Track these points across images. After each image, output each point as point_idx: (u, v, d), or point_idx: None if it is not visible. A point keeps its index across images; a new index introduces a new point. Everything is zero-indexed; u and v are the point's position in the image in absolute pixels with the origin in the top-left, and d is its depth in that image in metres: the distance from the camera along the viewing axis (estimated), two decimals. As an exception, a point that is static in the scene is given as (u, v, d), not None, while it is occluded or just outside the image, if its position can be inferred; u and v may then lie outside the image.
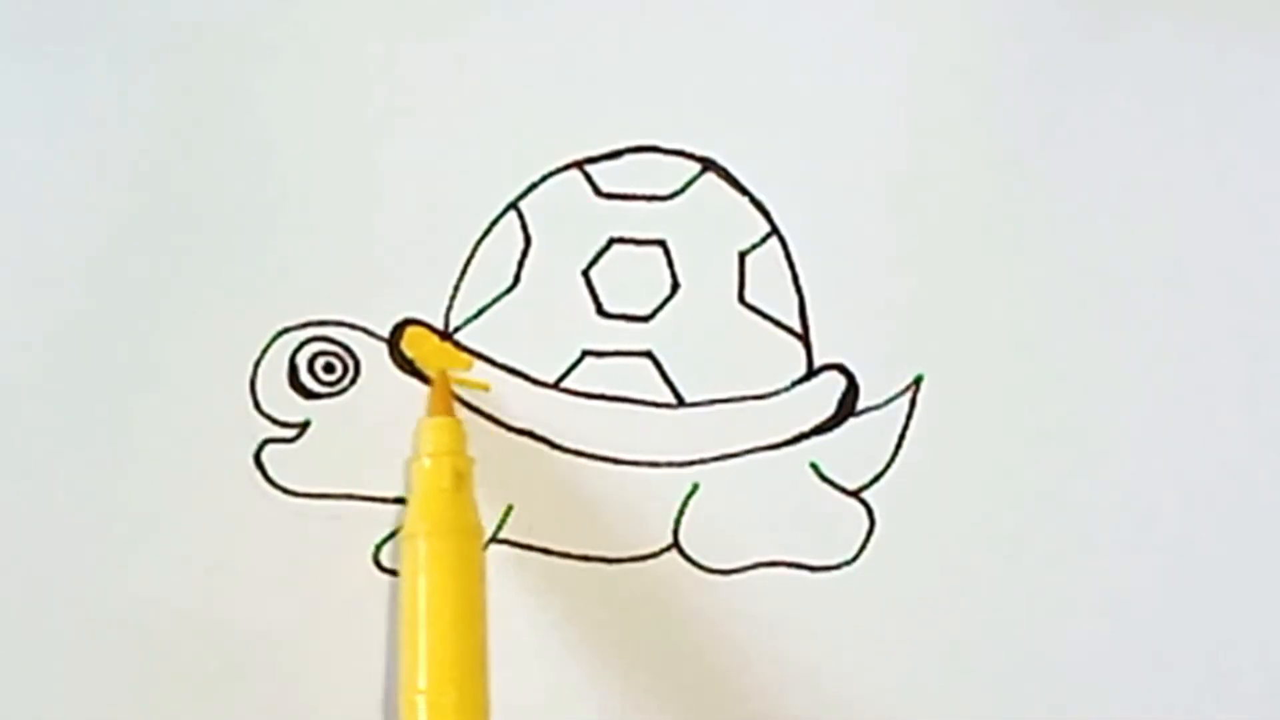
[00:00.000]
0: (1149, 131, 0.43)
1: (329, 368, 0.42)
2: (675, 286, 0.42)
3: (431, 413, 0.41)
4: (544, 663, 0.42)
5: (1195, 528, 0.43)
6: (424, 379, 0.42)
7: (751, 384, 0.43)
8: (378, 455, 0.42)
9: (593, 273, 0.42)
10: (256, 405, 0.42)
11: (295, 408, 0.42)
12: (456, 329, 0.42)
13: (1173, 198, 0.43)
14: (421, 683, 0.39)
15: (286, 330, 0.42)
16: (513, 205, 0.42)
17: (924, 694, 0.43)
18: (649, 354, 0.42)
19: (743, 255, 0.43)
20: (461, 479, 0.40)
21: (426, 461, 0.41)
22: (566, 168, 0.42)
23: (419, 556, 0.40)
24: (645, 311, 0.42)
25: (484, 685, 0.39)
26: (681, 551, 0.43)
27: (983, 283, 0.43)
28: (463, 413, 0.42)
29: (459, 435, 0.41)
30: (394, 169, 0.42)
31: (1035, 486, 0.43)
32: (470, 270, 0.42)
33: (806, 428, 0.43)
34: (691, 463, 0.43)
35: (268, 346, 0.42)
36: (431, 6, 0.42)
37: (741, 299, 0.43)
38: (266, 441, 0.42)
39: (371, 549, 0.42)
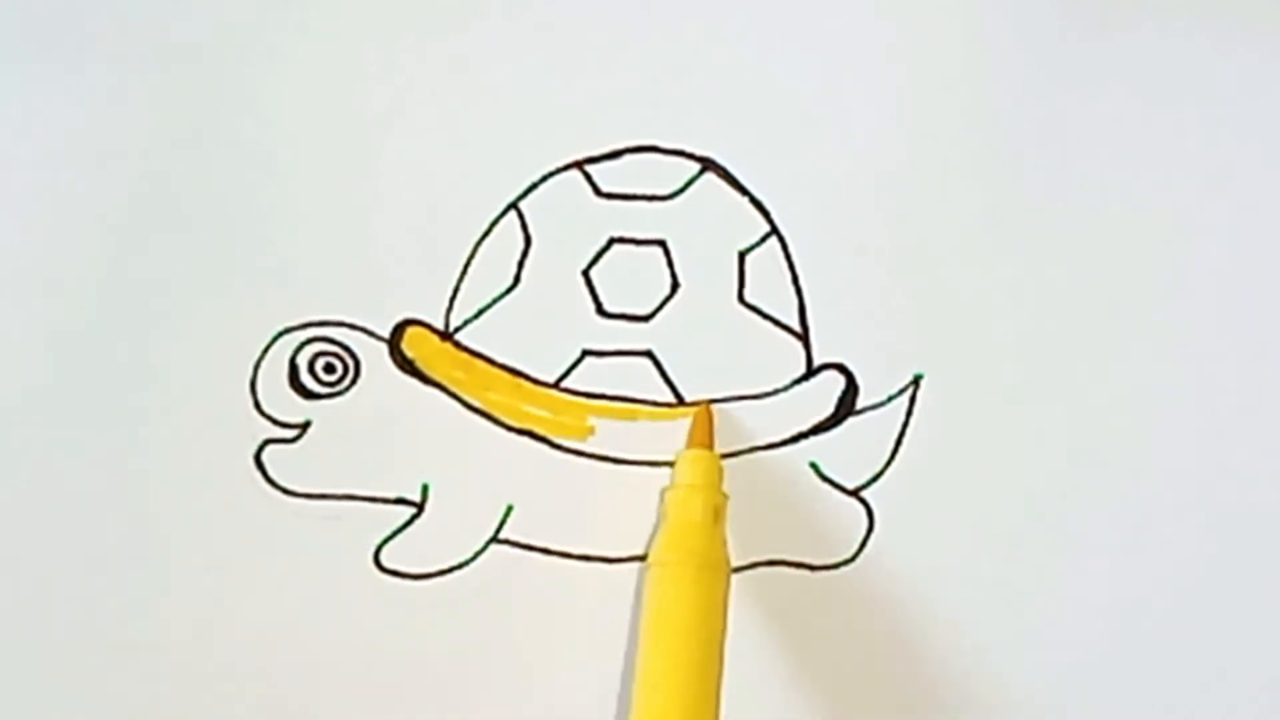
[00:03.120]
0: (1146, 131, 0.43)
1: (329, 368, 0.42)
2: (675, 286, 0.43)
3: (691, 444, 0.41)
4: (543, 663, 0.42)
5: (1195, 527, 0.43)
6: (424, 379, 0.42)
7: (751, 383, 0.43)
8: (378, 455, 0.42)
9: (593, 273, 0.42)
10: (257, 405, 0.42)
11: (295, 408, 0.42)
12: (456, 329, 0.42)
13: (1170, 197, 0.43)
14: (656, 713, 0.39)
15: (287, 330, 0.42)
16: (513, 205, 0.42)
17: (924, 693, 0.43)
18: (649, 354, 0.42)
19: (742, 255, 0.43)
20: (716, 514, 0.40)
21: (682, 492, 0.41)
22: (566, 168, 0.42)
23: (666, 586, 0.40)
24: (645, 311, 0.42)
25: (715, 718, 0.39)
26: (682, 551, 0.43)
27: (982, 282, 0.43)
28: (463, 412, 0.42)
29: (716, 470, 0.41)
30: (394, 169, 0.42)
31: (1035, 486, 0.43)
32: (470, 270, 0.42)
33: (806, 427, 0.43)
34: (691, 462, 0.43)
35: (268, 347, 0.42)
36: (431, 7, 0.42)
37: (741, 299, 0.43)
38: (267, 442, 0.42)
39: (371, 549, 0.42)
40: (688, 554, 0.40)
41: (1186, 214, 0.43)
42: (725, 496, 0.41)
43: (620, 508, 0.42)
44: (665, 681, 0.39)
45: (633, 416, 0.42)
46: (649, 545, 0.42)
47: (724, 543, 0.40)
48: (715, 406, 0.43)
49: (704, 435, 0.42)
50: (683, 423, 0.42)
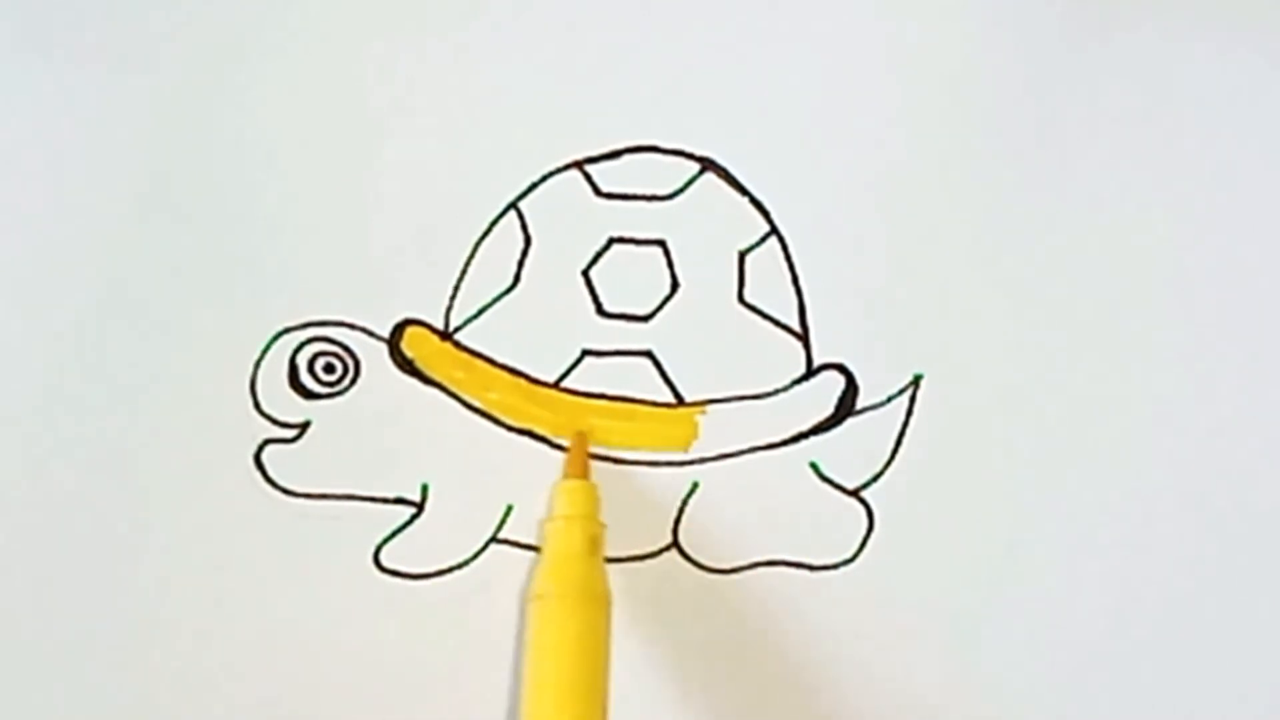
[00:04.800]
0: (1145, 131, 0.43)
1: (329, 368, 0.42)
2: (675, 286, 0.43)
3: (568, 475, 0.41)
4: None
5: (1195, 527, 0.43)
6: (424, 379, 0.42)
7: (751, 383, 0.43)
8: (378, 455, 0.42)
9: (593, 273, 0.42)
10: (256, 405, 0.42)
11: (295, 408, 0.42)
12: (456, 329, 0.42)
13: (1169, 197, 0.43)
14: None
15: (286, 330, 0.42)
16: (513, 205, 0.42)
17: (923, 693, 0.43)
18: (649, 354, 0.42)
19: (742, 255, 0.43)
20: (594, 544, 0.40)
21: (561, 524, 0.41)
22: (566, 168, 0.42)
23: (547, 618, 0.40)
24: (645, 311, 0.43)
25: None
26: (681, 551, 0.43)
27: (981, 283, 0.43)
28: (463, 412, 0.42)
29: (593, 500, 0.41)
30: (394, 169, 0.42)
31: (1034, 486, 0.43)
32: (470, 270, 0.42)
33: (806, 427, 0.43)
34: (691, 462, 0.43)
35: (268, 346, 0.42)
36: (431, 6, 0.42)
37: (741, 299, 0.43)
38: (266, 442, 0.42)
39: (371, 549, 0.42)
40: (568, 586, 0.40)
41: (1186, 214, 0.43)
42: (602, 526, 0.41)
43: (620, 507, 0.42)
44: (551, 714, 0.38)
45: (633, 417, 0.42)
46: (532, 573, 0.42)
47: (603, 572, 0.40)
48: (713, 406, 0.43)
49: (579, 465, 0.42)
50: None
